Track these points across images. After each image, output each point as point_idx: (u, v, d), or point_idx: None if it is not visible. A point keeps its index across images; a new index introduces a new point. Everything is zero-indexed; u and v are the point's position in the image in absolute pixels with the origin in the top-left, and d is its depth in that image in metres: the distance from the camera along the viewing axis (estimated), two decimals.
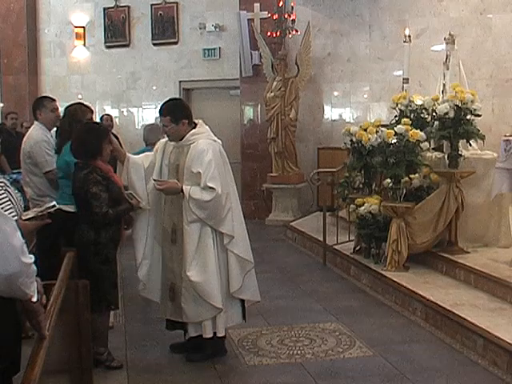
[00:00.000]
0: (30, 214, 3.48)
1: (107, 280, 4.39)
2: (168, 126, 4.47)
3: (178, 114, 4.48)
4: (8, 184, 3.10)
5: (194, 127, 4.53)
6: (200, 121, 4.62)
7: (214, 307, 4.40)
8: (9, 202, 2.99)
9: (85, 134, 4.46)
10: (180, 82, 11.84)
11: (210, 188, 4.29)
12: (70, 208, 4.60)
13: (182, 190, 4.34)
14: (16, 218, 2.94)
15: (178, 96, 11.32)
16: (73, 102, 5.67)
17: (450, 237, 6.44)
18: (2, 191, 2.99)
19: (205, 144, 4.41)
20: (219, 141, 4.59)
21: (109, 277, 4.41)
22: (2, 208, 2.79)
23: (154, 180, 4.47)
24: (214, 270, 4.39)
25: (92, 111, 5.38)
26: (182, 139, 4.50)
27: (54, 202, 3.71)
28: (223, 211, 4.38)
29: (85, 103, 5.55)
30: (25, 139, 5.47)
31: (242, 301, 4.67)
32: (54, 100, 5.64)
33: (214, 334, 4.50)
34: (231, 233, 4.45)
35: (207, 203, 4.30)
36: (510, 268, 5.72)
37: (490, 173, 6.32)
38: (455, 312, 5.09)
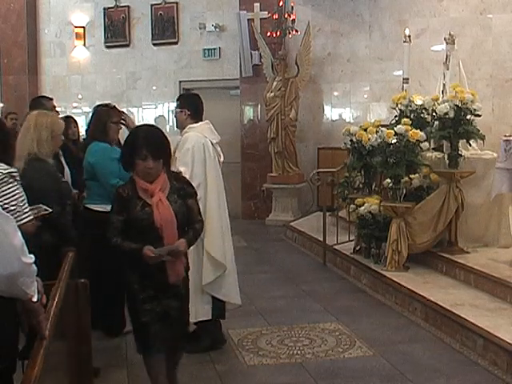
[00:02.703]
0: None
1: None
2: (175, 109, 4.88)
3: (184, 102, 4.84)
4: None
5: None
6: (207, 121, 4.81)
7: None
8: (21, 192, 3.09)
9: (124, 143, 3.77)
10: (180, 82, 11.83)
11: (179, 171, 4.44)
12: (98, 207, 4.83)
13: None
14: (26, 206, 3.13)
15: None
16: (101, 103, 5.71)
17: (450, 237, 6.44)
18: (16, 184, 3.08)
19: (191, 135, 4.66)
20: (214, 139, 4.78)
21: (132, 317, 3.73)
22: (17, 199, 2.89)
23: None
24: None
25: (119, 114, 5.39)
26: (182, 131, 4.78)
27: (46, 208, 3.75)
28: None
29: (112, 104, 5.55)
30: None
31: (217, 299, 4.72)
32: (51, 99, 5.67)
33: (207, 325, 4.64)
34: None
35: None
36: (510, 268, 5.72)
37: (490, 173, 6.31)
38: (455, 312, 5.09)
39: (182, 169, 4.47)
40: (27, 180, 4.21)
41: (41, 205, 3.74)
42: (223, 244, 4.71)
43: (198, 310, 4.63)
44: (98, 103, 5.95)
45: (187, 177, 4.42)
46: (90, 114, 5.44)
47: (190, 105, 4.79)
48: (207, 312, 4.72)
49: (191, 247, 3.81)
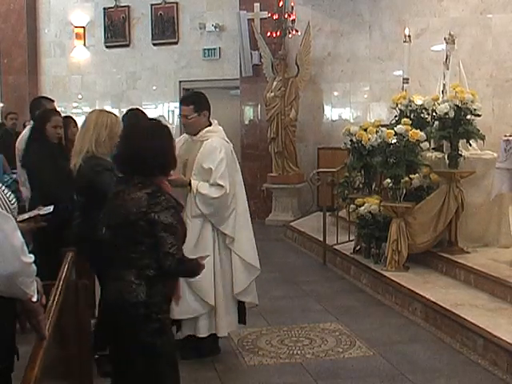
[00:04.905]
0: (26, 216, 3.49)
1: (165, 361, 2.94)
2: (190, 115, 4.42)
3: (202, 104, 4.48)
4: None
5: (210, 125, 4.53)
6: (215, 121, 4.62)
7: (205, 303, 4.38)
8: None
9: (158, 141, 3.01)
10: (180, 82, 11.84)
11: (219, 185, 4.30)
12: None
13: (189, 184, 4.31)
14: None
15: (178, 96, 11.36)
16: (133, 107, 5.65)
17: (450, 237, 6.43)
18: None
19: (218, 142, 4.42)
20: (231, 143, 4.61)
21: (168, 357, 2.97)
22: None
23: None
24: (210, 267, 4.25)
25: None
26: (196, 134, 4.47)
27: (52, 207, 3.72)
28: (227, 211, 4.40)
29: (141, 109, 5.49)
30: (19, 139, 5.46)
31: (239, 305, 4.65)
32: (52, 101, 5.66)
33: (210, 334, 4.50)
34: (232, 234, 4.45)
35: (214, 200, 4.30)
36: (510, 268, 5.72)
37: (489, 173, 6.31)
38: (455, 312, 5.09)
39: (220, 182, 4.29)
40: (82, 176, 4.22)
41: (41, 207, 3.73)
42: (254, 247, 4.62)
43: (232, 321, 4.56)
44: (131, 107, 5.77)
45: (227, 190, 4.28)
46: (126, 117, 5.27)
47: (206, 105, 4.50)
48: (236, 320, 4.63)
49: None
